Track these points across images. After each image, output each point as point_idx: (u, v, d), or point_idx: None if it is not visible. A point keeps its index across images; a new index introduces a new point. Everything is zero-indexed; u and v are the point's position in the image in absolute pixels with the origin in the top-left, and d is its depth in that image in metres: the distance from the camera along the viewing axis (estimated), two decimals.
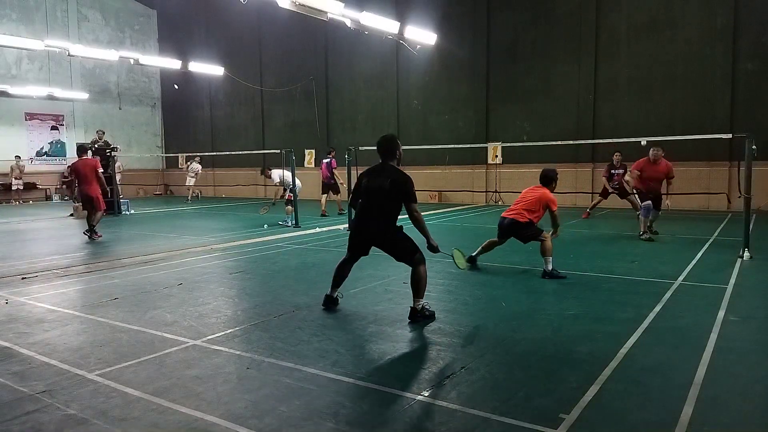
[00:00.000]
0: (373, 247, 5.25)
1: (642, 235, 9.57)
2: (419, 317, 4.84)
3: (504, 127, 17.68)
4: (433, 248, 4.97)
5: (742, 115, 14.04)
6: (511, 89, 17.63)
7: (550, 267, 6.60)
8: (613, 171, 12.37)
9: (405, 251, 4.94)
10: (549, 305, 5.50)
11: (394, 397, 3.34)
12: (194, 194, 22.35)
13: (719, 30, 14.32)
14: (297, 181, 12.53)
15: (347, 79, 21.15)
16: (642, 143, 9.74)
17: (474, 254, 7.31)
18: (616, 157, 12.28)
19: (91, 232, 10.71)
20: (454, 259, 5.53)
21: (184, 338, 4.54)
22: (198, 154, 22.13)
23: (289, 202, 12.54)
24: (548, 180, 6.97)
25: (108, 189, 11.03)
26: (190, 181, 21.74)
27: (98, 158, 11.47)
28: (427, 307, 4.91)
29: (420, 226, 4.88)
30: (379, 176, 4.94)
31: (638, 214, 10.13)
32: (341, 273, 5.35)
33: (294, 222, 12.27)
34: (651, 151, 9.71)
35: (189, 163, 21.71)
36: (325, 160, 14.80)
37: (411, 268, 4.91)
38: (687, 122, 14.44)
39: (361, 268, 7.47)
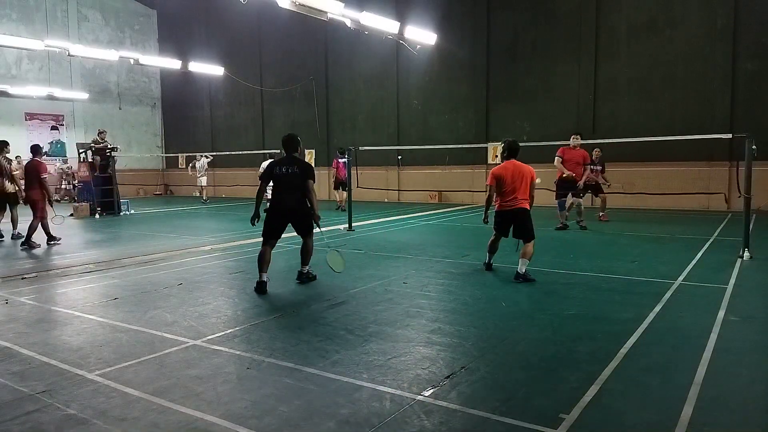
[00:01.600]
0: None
1: (560, 227, 10.87)
2: (305, 279, 6.49)
3: (504, 127, 17.66)
4: (317, 218, 6.35)
5: (742, 115, 14.02)
6: (511, 89, 17.61)
7: (524, 269, 6.48)
8: (591, 166, 12.41)
9: (307, 227, 6.40)
10: (549, 305, 5.50)
11: (394, 397, 3.34)
12: (203, 195, 21.42)
13: (719, 30, 14.30)
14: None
15: (347, 79, 21.14)
16: None
17: (487, 261, 7.24)
18: (596, 152, 12.29)
19: (27, 239, 9.90)
20: (328, 262, 6.56)
21: (184, 338, 4.55)
22: (197, 153, 21.99)
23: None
24: (518, 150, 6.80)
25: (51, 195, 10.98)
26: (203, 181, 20.93)
27: (43, 162, 11.31)
28: (311, 270, 6.57)
29: (314, 198, 6.27)
30: (290, 165, 6.22)
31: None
32: (265, 258, 6.18)
33: None
34: (572, 138, 11.04)
35: (192, 164, 21.20)
36: (341, 159, 15.51)
37: (303, 241, 6.44)
38: (687, 122, 14.43)
39: (360, 267, 7.52)
